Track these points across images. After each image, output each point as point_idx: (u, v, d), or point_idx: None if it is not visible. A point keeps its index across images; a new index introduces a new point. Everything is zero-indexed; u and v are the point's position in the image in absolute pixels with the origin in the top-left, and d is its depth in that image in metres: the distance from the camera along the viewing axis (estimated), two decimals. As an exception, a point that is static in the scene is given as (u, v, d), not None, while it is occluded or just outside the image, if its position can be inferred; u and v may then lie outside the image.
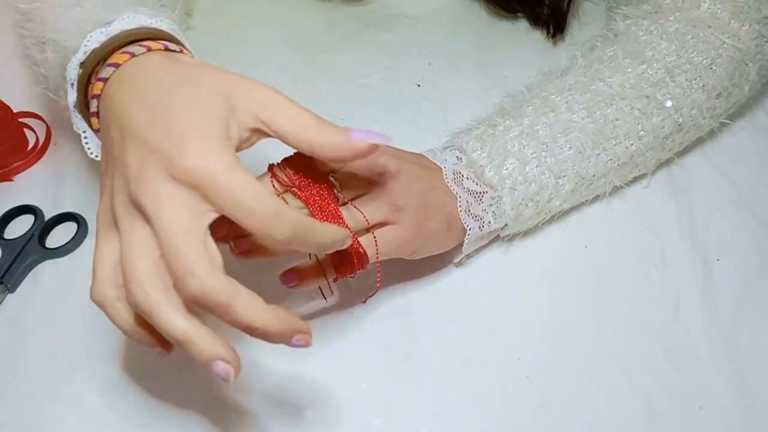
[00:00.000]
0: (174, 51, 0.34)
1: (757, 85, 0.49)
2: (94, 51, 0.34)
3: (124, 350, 0.43)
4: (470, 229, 0.42)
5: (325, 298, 0.43)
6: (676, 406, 0.40)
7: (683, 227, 0.48)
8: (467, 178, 0.42)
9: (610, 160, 0.45)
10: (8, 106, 0.52)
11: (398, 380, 0.41)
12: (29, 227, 0.48)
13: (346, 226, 0.35)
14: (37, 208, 0.49)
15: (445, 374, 0.41)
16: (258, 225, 0.27)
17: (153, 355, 0.42)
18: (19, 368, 0.42)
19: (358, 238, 0.36)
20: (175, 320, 0.28)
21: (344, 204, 0.37)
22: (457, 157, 0.43)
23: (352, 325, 0.43)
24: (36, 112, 0.56)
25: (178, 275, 0.27)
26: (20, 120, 0.54)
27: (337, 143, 0.30)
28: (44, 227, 0.48)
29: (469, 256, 0.46)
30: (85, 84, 0.35)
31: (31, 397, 0.41)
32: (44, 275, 0.46)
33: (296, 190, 0.35)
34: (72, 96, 0.36)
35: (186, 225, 0.27)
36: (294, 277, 0.38)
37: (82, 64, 0.35)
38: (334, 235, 0.30)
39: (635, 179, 0.49)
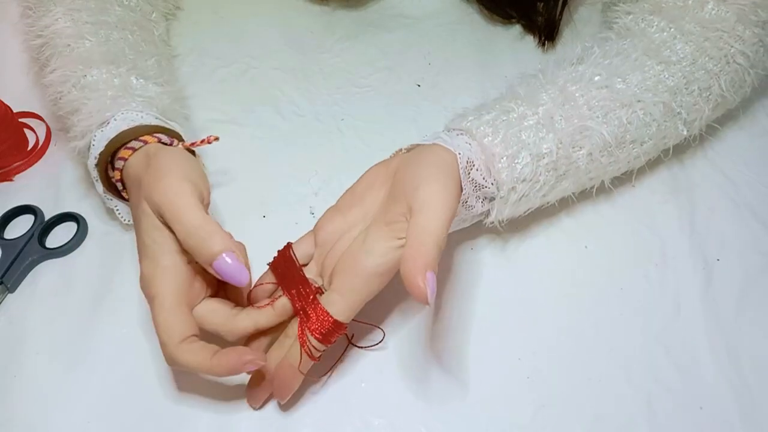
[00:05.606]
0: (165, 143, 0.42)
1: (748, 93, 0.49)
2: (101, 153, 0.42)
3: (123, 350, 0.43)
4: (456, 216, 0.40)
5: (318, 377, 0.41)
6: (676, 406, 0.40)
7: (683, 227, 0.48)
8: (477, 169, 0.40)
9: (611, 163, 0.44)
10: (8, 106, 0.52)
11: (398, 380, 0.41)
12: (29, 227, 0.48)
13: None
14: (37, 208, 0.49)
15: (445, 374, 0.41)
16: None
17: (152, 355, 0.42)
18: (19, 368, 0.42)
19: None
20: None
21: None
22: (466, 142, 0.40)
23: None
24: (36, 112, 0.56)
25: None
26: (20, 120, 0.54)
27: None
28: (44, 227, 0.48)
29: (467, 258, 0.46)
30: (104, 172, 0.43)
31: (31, 397, 0.41)
32: (44, 275, 0.46)
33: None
34: (99, 188, 0.44)
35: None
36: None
37: (96, 165, 0.43)
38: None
39: (636, 179, 0.49)
